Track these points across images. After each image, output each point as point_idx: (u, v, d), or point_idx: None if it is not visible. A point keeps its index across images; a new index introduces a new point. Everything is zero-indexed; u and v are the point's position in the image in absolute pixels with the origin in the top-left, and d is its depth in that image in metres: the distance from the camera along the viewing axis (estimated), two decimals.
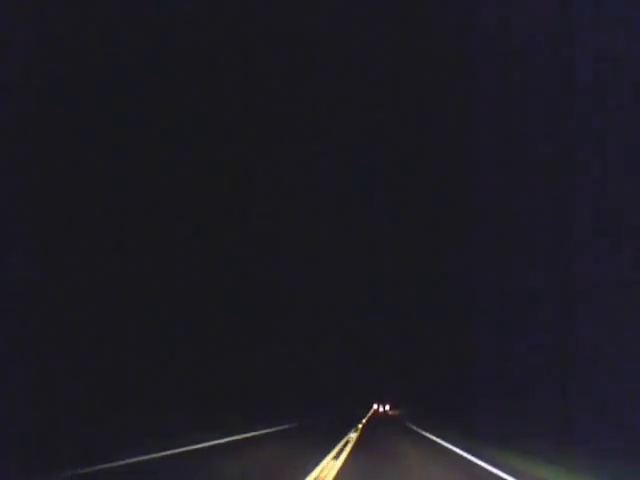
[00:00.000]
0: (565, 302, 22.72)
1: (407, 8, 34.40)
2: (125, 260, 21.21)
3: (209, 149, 29.91)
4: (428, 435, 20.97)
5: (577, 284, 21.93)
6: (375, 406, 74.48)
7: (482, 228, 34.73)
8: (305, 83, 41.26)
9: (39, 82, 16.60)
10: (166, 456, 10.87)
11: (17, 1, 15.88)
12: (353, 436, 19.03)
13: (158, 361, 22.42)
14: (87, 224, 19.23)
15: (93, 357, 18.06)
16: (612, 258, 19.36)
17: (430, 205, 54.29)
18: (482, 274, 35.10)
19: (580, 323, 21.40)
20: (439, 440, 18.02)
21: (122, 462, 9.53)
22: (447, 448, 15.26)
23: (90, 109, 19.26)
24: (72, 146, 18.30)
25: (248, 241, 37.46)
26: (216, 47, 29.75)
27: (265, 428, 20.39)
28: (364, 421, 31.96)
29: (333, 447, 13.94)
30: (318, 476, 8.85)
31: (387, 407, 72.98)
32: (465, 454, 13.12)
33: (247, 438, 16.39)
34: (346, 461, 11.10)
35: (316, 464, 10.12)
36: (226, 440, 15.01)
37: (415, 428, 27.03)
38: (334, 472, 9.35)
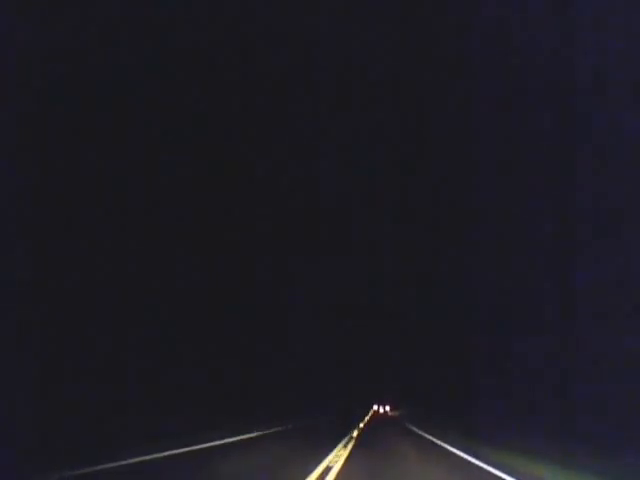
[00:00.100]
0: (565, 302, 22.69)
1: (407, 8, 34.32)
2: (125, 260, 21.18)
3: (209, 149, 29.91)
4: (429, 437, 20.96)
5: (577, 284, 21.91)
6: (375, 407, 74.05)
7: (482, 228, 34.68)
8: (305, 83, 41.24)
9: (39, 82, 16.57)
10: (166, 456, 10.87)
11: (17, 1, 15.86)
12: (353, 435, 19.02)
13: (158, 361, 22.40)
14: (87, 224, 19.20)
15: (93, 357, 18.02)
16: (612, 258, 19.34)
17: (430, 205, 54.21)
18: (482, 274, 35.05)
19: (580, 323, 21.38)
20: (439, 441, 18.03)
21: (123, 462, 9.53)
22: (447, 449, 15.27)
23: (90, 109, 19.23)
24: (72, 146, 18.27)
25: (248, 241, 37.46)
26: (216, 47, 29.72)
27: (265, 429, 20.36)
28: (361, 426, 31.98)
29: (333, 448, 13.93)
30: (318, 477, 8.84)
31: (387, 408, 72.37)
32: (465, 454, 13.12)
33: (243, 440, 16.38)
34: (346, 461, 11.10)
35: (317, 464, 10.11)
36: (224, 442, 15.00)
37: (415, 429, 27.02)
38: (334, 472, 9.35)
